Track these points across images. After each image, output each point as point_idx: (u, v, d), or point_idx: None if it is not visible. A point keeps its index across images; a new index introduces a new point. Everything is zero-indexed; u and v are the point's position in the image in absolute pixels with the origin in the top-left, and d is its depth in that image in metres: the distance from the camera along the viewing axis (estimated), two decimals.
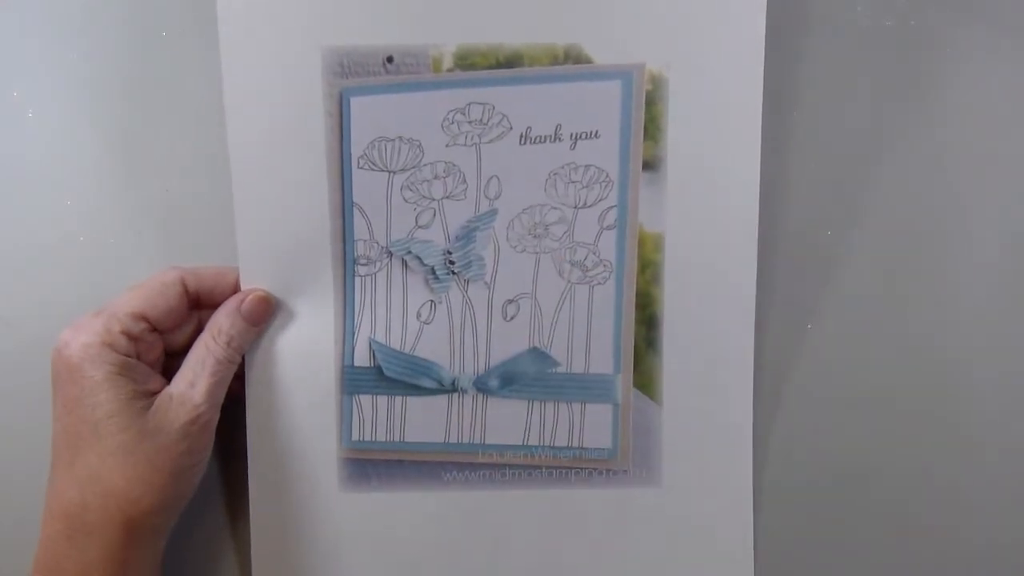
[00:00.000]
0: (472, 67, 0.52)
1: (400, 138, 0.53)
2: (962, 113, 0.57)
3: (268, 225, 0.53)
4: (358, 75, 0.52)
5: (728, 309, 0.55)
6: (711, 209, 0.54)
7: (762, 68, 0.53)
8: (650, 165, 0.53)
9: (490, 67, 0.52)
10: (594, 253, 0.54)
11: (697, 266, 0.54)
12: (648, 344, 0.55)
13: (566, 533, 0.56)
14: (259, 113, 0.52)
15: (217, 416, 0.51)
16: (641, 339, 0.55)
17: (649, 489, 0.56)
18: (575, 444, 0.55)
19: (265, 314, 0.53)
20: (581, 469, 0.56)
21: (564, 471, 0.56)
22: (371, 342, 0.54)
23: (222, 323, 0.52)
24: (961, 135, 0.57)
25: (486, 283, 0.54)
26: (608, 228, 0.54)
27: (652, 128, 0.53)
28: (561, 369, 0.55)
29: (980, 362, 0.57)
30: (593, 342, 0.55)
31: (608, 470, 0.56)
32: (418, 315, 0.54)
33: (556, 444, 0.55)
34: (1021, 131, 0.57)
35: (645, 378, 0.55)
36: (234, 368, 0.52)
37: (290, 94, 0.52)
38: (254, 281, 0.53)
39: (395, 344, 0.54)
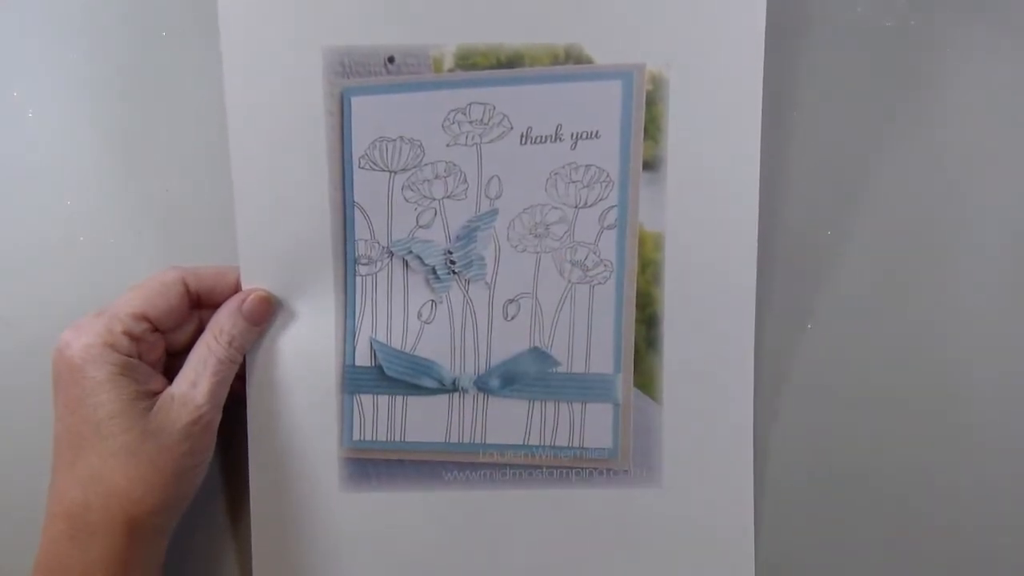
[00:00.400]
0: (473, 67, 0.52)
1: (401, 138, 0.53)
2: (962, 113, 0.57)
3: (269, 225, 0.53)
4: (359, 75, 0.52)
5: (728, 308, 0.55)
6: (711, 209, 0.54)
7: (762, 68, 0.53)
8: (650, 165, 0.54)
9: (491, 67, 0.52)
10: (594, 253, 0.54)
11: (697, 265, 0.55)
12: (648, 344, 0.55)
13: (567, 533, 0.56)
14: (260, 113, 0.52)
15: (219, 416, 0.52)
16: (641, 339, 0.55)
17: (650, 489, 0.56)
18: (576, 444, 0.56)
19: (266, 314, 0.53)
20: (582, 469, 0.56)
21: (565, 471, 0.56)
22: (372, 342, 0.55)
23: (223, 323, 0.52)
24: (961, 135, 0.57)
25: (487, 283, 0.55)
26: (608, 228, 0.54)
27: (652, 128, 0.53)
28: (562, 369, 0.55)
29: (980, 362, 0.57)
30: (593, 342, 0.55)
31: (609, 470, 0.56)
32: (419, 315, 0.55)
33: (557, 444, 0.56)
34: (1021, 131, 0.57)
35: (645, 378, 0.55)
36: (235, 368, 0.53)
37: (291, 94, 0.52)
38: (255, 281, 0.54)
39: (396, 344, 0.55)
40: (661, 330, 0.55)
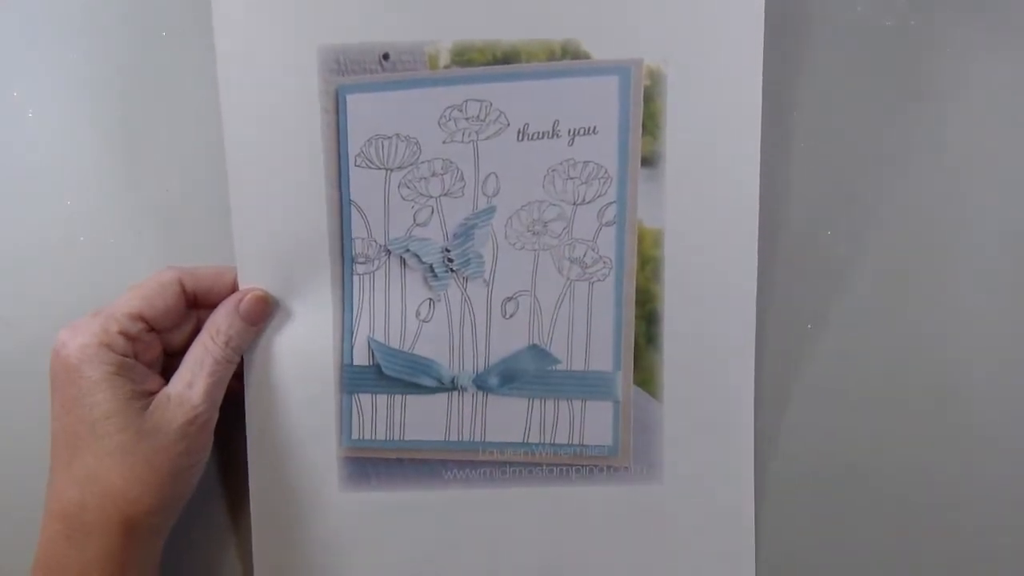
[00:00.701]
0: (469, 64, 0.51)
1: (397, 135, 0.51)
2: (962, 113, 0.55)
3: (265, 224, 0.51)
4: (354, 72, 0.50)
5: (729, 304, 0.53)
6: (711, 204, 0.52)
7: (761, 62, 0.51)
8: (649, 161, 0.52)
9: (487, 63, 0.51)
10: (593, 250, 0.53)
11: (697, 262, 0.53)
12: (648, 341, 0.53)
13: (567, 530, 0.55)
14: (255, 111, 0.51)
15: (215, 416, 0.50)
16: (641, 336, 0.53)
17: (650, 486, 0.54)
18: (575, 441, 0.54)
19: (263, 313, 0.52)
20: (582, 466, 0.54)
21: (565, 468, 0.54)
22: (370, 341, 0.53)
23: (220, 323, 0.50)
24: (961, 135, 0.56)
25: (485, 281, 0.53)
26: (607, 224, 0.52)
27: (650, 124, 0.52)
28: (561, 367, 0.53)
29: (980, 362, 0.56)
30: (593, 339, 0.53)
31: (609, 467, 0.54)
32: (417, 313, 0.53)
33: (556, 441, 0.54)
34: (1021, 131, 0.56)
35: (645, 375, 0.54)
36: (232, 368, 0.51)
37: (286, 92, 0.51)
38: (252, 280, 0.52)
39: (394, 342, 0.53)
40: (661, 327, 0.53)
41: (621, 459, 0.54)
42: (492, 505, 0.54)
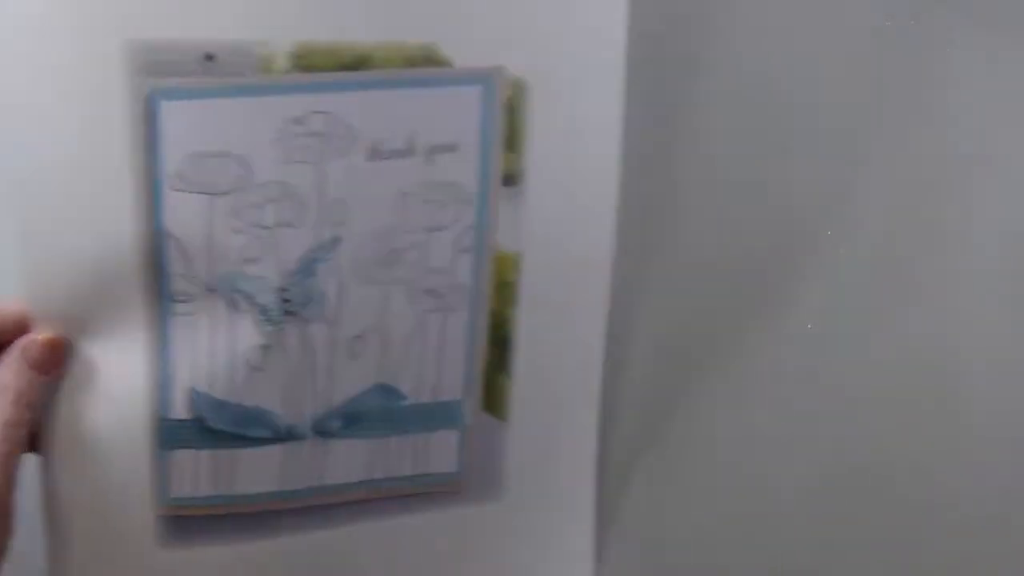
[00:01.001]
0: (311, 69, 0.41)
1: (223, 153, 0.41)
2: (962, 113, 0.53)
3: (63, 255, 0.41)
4: (170, 75, 0.39)
5: (579, 326, 0.49)
6: (569, 226, 0.47)
7: (622, 78, 0.45)
8: (511, 179, 0.45)
9: (333, 69, 0.41)
10: (448, 279, 0.46)
11: (552, 285, 0.47)
12: (498, 366, 0.48)
13: (408, 559, 0.50)
14: (49, 119, 0.39)
15: (14, 492, 0.40)
16: (491, 361, 0.48)
17: (490, 504, 0.50)
18: (420, 471, 0.48)
19: (58, 362, 0.41)
20: (424, 494, 0.49)
21: (406, 499, 0.49)
22: (191, 392, 0.43)
23: (6, 376, 0.40)
24: (961, 135, 0.53)
25: (328, 320, 0.44)
26: (464, 251, 0.45)
27: (513, 139, 0.44)
28: (410, 400, 0.47)
29: (980, 362, 0.55)
30: (444, 370, 0.47)
31: (451, 491, 0.49)
32: (248, 360, 0.44)
33: (401, 475, 0.48)
34: (1021, 131, 0.54)
35: (494, 399, 0.48)
36: (26, 429, 0.41)
37: (87, 96, 0.39)
38: (47, 323, 0.41)
39: (221, 392, 0.44)
40: (512, 352, 0.48)
41: (463, 483, 0.49)
42: (330, 547, 0.48)
